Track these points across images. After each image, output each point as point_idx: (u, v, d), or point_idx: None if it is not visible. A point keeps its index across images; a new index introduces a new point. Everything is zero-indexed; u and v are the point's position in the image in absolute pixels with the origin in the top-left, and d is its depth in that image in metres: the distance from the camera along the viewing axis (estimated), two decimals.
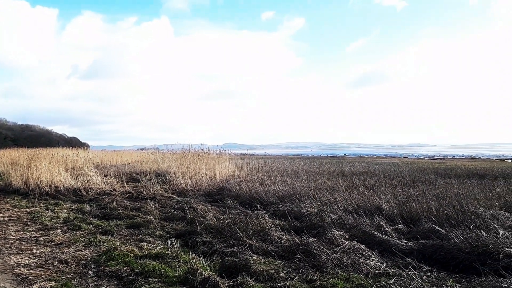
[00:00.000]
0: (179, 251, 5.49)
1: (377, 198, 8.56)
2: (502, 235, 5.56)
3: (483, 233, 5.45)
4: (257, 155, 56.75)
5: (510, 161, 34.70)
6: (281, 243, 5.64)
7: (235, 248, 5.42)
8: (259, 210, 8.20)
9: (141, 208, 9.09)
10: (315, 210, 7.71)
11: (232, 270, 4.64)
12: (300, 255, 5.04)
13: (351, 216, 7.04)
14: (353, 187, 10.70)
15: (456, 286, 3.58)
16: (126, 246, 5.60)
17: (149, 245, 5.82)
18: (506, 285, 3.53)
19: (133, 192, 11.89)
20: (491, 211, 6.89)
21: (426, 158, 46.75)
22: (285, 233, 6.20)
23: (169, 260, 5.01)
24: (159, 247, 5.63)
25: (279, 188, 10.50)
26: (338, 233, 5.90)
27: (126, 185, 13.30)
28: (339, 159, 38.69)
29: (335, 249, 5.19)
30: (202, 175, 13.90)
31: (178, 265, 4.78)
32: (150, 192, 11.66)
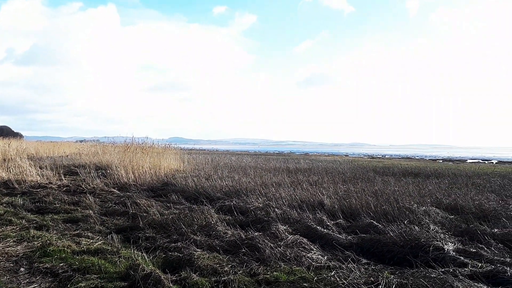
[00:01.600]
0: (120, 246, 5.30)
1: (319, 194, 8.84)
2: (432, 229, 5.99)
3: (416, 227, 5.83)
4: (204, 150, 56.31)
5: (441, 161, 37.40)
6: (227, 237, 5.64)
7: (179, 244, 5.34)
8: (205, 205, 8.14)
9: (80, 202, 8.67)
10: (260, 205, 7.80)
11: (175, 265, 4.56)
12: (245, 249, 5.07)
13: (295, 211, 7.21)
14: (298, 183, 10.96)
15: (390, 277, 3.79)
16: (62, 242, 5.31)
17: (88, 240, 5.55)
18: (434, 275, 3.80)
19: (71, 185, 11.29)
20: (424, 208, 7.38)
21: (366, 156, 49.01)
22: (231, 227, 6.21)
23: (109, 256, 4.82)
24: (99, 243, 5.40)
25: (226, 184, 10.49)
26: (282, 228, 6.02)
27: (63, 178, 12.60)
28: (285, 156, 39.47)
29: (279, 243, 5.28)
30: (146, 169, 13.53)
31: (119, 261, 4.62)
32: (89, 186, 11.14)
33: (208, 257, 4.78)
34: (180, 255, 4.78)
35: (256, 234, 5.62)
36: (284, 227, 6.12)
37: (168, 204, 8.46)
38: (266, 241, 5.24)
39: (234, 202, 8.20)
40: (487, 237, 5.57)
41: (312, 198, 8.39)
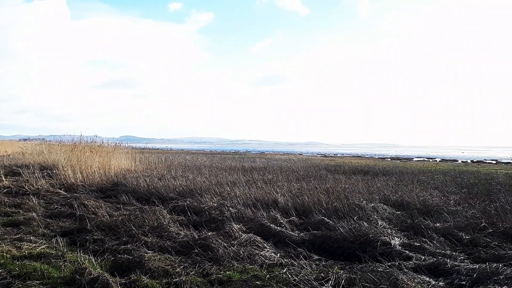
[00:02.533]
0: (65, 250, 5.04)
1: (274, 192, 8.92)
2: (380, 225, 6.23)
3: (365, 223, 6.04)
4: (158, 149, 55.10)
5: (389, 159, 39.13)
6: (179, 238, 5.54)
7: (129, 246, 5.17)
8: (157, 205, 7.94)
9: (22, 204, 8.16)
10: (215, 205, 7.75)
11: (125, 268, 4.41)
12: (198, 249, 5.01)
13: (249, 210, 7.22)
14: (253, 182, 11.00)
15: (340, 272, 3.90)
16: (1, 247, 4.96)
17: (30, 244, 5.23)
18: (381, 269, 3.95)
19: (12, 186, 10.62)
20: (372, 204, 7.66)
21: (319, 155, 50.24)
22: (184, 228, 6.11)
23: (53, 260, 4.57)
24: (42, 247, 5.10)
25: (180, 183, 10.32)
26: (236, 226, 6.01)
27: (4, 179, 11.80)
28: (241, 154, 39.53)
29: (233, 242, 5.27)
30: (94, 169, 12.99)
31: (64, 265, 4.39)
32: (33, 187, 10.53)
33: (160, 258, 4.66)
34: (130, 257, 4.63)
35: (209, 234, 5.56)
36: (238, 226, 6.11)
37: (118, 205, 8.17)
38: (219, 240, 5.20)
39: (188, 202, 8.08)
40: (430, 231, 5.89)
41: (266, 196, 8.45)
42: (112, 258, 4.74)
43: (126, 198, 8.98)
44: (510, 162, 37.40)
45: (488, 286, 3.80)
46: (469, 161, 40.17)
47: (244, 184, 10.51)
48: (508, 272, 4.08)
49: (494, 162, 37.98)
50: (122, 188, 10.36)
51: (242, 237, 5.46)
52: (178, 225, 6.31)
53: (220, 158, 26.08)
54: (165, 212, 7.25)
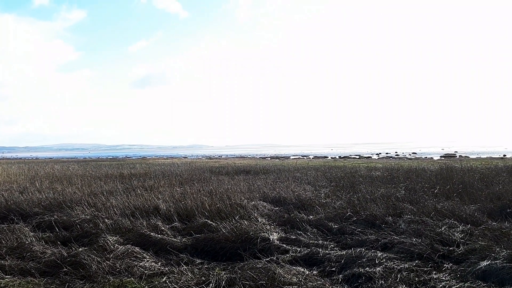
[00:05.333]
0: None
1: (155, 198, 8.59)
2: (260, 222, 6.46)
3: (245, 222, 6.18)
4: (20, 158, 48.77)
5: (269, 159, 41.24)
6: (45, 258, 4.93)
7: None
8: (17, 223, 6.96)
9: None
10: (88, 217, 7.11)
11: None
12: (67, 268, 4.51)
13: (127, 220, 6.80)
14: (132, 189, 10.43)
15: (221, 274, 3.90)
16: None
17: None
18: (260, 266, 4.07)
19: None
20: (253, 202, 7.92)
21: (204, 158, 50.42)
22: (50, 246, 5.47)
23: None
24: None
25: (46, 196, 9.23)
26: (112, 239, 5.59)
27: None
28: (120, 161, 37.32)
29: (108, 255, 4.88)
30: None
31: None
32: None
33: (20, 283, 4.11)
34: None
35: (80, 249, 5.05)
36: (115, 238, 5.69)
37: None
38: (92, 256, 4.77)
39: (55, 216, 7.25)
40: (305, 224, 6.31)
41: (147, 203, 8.08)
42: None
43: None
44: (370, 157, 42.78)
45: (354, 269, 4.21)
46: (337, 157, 44.76)
47: (122, 192, 9.90)
48: (370, 254, 4.58)
49: (357, 157, 42.98)
50: None
51: (119, 249, 5.09)
52: (44, 243, 5.62)
53: (95, 165, 24.22)
54: (28, 229, 6.40)
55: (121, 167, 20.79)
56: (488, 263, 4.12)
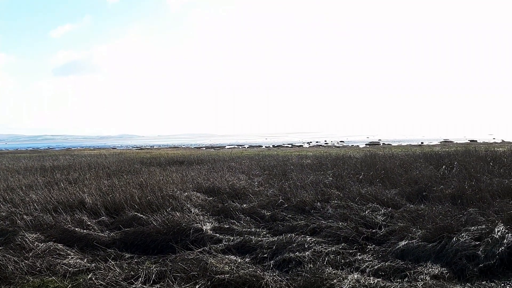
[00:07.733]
0: None
1: (80, 192, 8.11)
2: (193, 212, 6.38)
3: (178, 213, 6.07)
4: None
5: (204, 149, 40.88)
6: None
7: None
8: None
9: None
10: (4, 214, 6.54)
11: None
12: None
13: (49, 215, 6.35)
14: (55, 183, 9.76)
15: (152, 267, 3.80)
16: None
17: None
18: (192, 257, 4.04)
19: None
20: (186, 193, 7.80)
21: (134, 148, 48.58)
22: None
23: None
24: None
25: None
26: (32, 236, 5.20)
27: None
28: (41, 152, 34.66)
29: (27, 254, 4.53)
30: None
31: None
32: None
33: None
34: None
35: None
36: (35, 235, 5.30)
37: None
38: (8, 255, 4.40)
39: None
40: (238, 213, 6.36)
41: (71, 197, 7.61)
42: None
43: None
44: (301, 145, 44.24)
45: (285, 255, 4.34)
46: (271, 146, 45.69)
47: (43, 186, 9.22)
48: (299, 239, 4.75)
49: (290, 146, 44.21)
50: None
51: (39, 247, 4.75)
52: None
53: (12, 158, 22.29)
54: None
55: (42, 159, 19.35)
56: (405, 242, 4.48)
